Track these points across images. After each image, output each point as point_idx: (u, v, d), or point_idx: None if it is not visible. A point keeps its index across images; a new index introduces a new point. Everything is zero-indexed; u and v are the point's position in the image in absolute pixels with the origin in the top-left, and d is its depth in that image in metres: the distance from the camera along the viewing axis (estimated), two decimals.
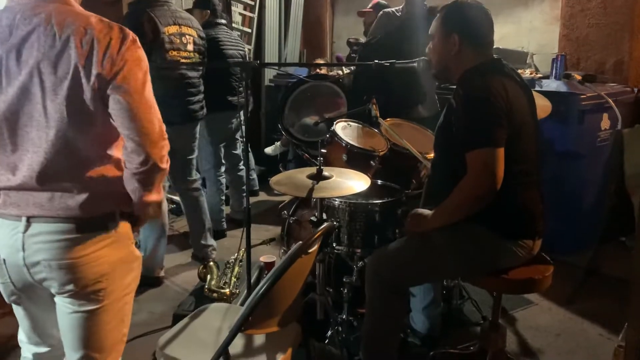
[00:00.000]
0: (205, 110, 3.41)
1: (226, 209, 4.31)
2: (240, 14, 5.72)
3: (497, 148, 1.83)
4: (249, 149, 4.85)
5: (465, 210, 1.91)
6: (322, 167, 2.14)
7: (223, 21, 4.01)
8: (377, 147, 2.66)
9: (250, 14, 5.81)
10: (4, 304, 2.92)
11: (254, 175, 4.99)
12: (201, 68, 3.32)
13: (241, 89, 4.05)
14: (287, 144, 5.10)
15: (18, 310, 1.61)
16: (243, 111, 4.25)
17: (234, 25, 5.31)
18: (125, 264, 1.55)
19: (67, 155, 1.39)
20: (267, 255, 3.05)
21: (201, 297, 2.67)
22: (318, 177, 2.11)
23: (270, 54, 5.96)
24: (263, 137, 5.69)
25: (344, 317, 2.48)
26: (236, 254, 3.01)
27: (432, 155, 2.27)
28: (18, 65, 1.35)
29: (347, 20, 5.55)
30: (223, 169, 4.09)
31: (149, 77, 1.45)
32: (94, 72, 1.34)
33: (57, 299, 1.51)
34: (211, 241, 3.54)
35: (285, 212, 2.94)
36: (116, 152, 1.48)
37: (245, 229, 2.36)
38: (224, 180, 4.11)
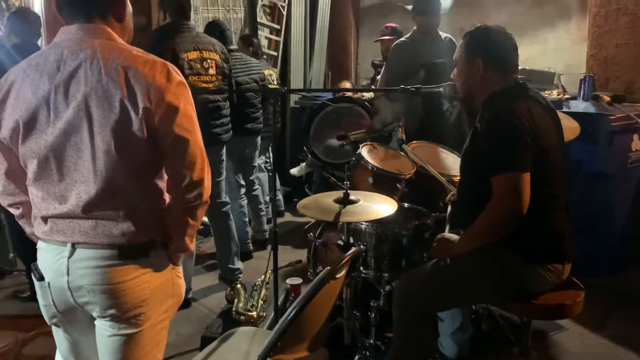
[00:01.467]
0: (230, 133, 3.45)
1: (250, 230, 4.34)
2: (266, 37, 5.84)
3: (523, 172, 1.83)
4: (274, 171, 4.91)
5: (492, 235, 1.90)
6: (348, 191, 2.15)
7: (234, 47, 4.01)
8: (403, 169, 2.67)
9: (276, 38, 5.92)
10: (37, 325, 3.01)
11: (280, 196, 5.02)
12: (227, 91, 3.37)
13: (256, 114, 4.08)
14: (312, 165, 5.14)
15: (58, 333, 1.65)
16: (269, 134, 4.35)
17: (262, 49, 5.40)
18: (165, 290, 1.59)
19: (112, 185, 1.43)
20: (293, 277, 3.06)
21: (229, 320, 2.68)
22: (345, 201, 2.12)
23: (296, 77, 6.05)
24: (288, 158, 5.75)
25: (372, 341, 2.47)
26: (263, 277, 3.02)
27: (458, 178, 2.27)
28: (66, 99, 1.40)
29: (372, 42, 5.61)
30: (243, 190, 4.13)
31: (194, 109, 1.49)
32: (140, 105, 1.38)
33: (97, 322, 1.55)
34: (238, 264, 3.58)
35: (311, 234, 2.96)
36: (160, 183, 1.52)
37: (272, 251, 2.38)
38: (245, 203, 4.14)
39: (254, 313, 2.67)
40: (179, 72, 1.47)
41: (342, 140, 3.38)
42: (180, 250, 1.60)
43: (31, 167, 1.47)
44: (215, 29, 3.81)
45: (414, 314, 2.08)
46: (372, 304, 2.45)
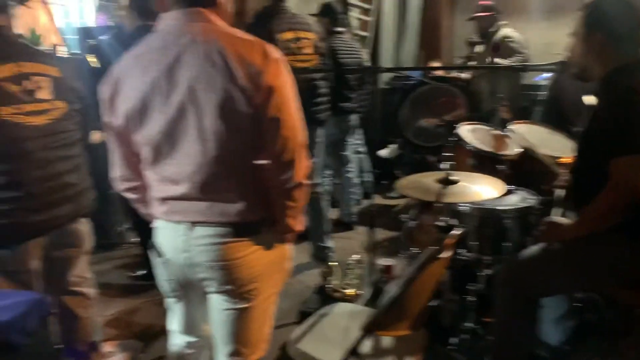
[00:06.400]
0: (328, 113, 3.48)
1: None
2: (357, 18, 5.79)
3: None
4: (366, 152, 4.90)
5: (607, 221, 1.79)
6: (450, 171, 2.11)
7: (342, 29, 4.08)
8: (505, 150, 2.57)
9: (367, 18, 5.85)
10: (144, 295, 3.22)
11: (369, 178, 5.00)
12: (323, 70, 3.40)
13: (352, 95, 4.08)
14: (402, 147, 5.07)
15: (174, 306, 1.76)
16: (355, 115, 4.34)
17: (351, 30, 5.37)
18: (276, 265, 1.65)
19: (222, 166, 1.48)
20: (386, 258, 3.06)
21: (324, 296, 2.74)
22: (446, 181, 2.08)
23: (386, 57, 5.96)
24: (377, 140, 5.70)
25: (469, 325, 2.42)
26: (356, 256, 3.05)
27: (565, 159, 2.16)
28: (173, 84, 1.44)
29: (467, 19, 5.41)
30: (328, 172, 4.15)
31: (292, 89, 1.51)
32: (241, 86, 1.40)
33: (212, 296, 1.64)
34: (330, 243, 3.63)
35: (405, 215, 2.94)
36: (264, 162, 1.54)
37: (369, 231, 2.39)
38: (328, 182, 4.16)
39: (349, 291, 2.71)
40: (276, 50, 1.48)
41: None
42: (285, 230, 1.63)
43: (146, 153, 1.54)
44: (328, 11, 3.92)
45: (518, 298, 2.01)
46: (470, 287, 2.40)
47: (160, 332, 2.83)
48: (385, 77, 5.77)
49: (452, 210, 2.34)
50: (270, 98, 1.43)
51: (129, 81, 1.49)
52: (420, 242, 2.80)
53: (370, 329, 1.58)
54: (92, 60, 3.27)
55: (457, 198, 2.05)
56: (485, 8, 4.56)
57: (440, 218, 2.12)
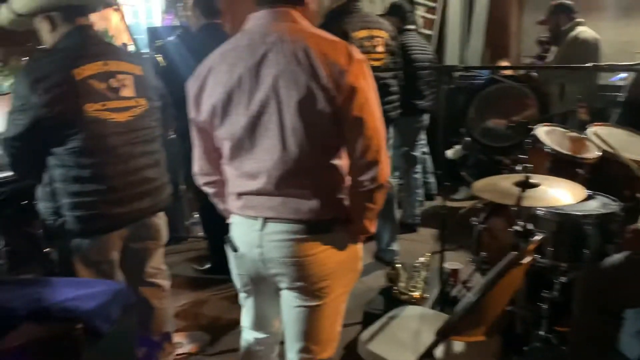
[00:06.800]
0: (398, 111, 3.45)
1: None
2: (421, 16, 5.72)
3: None
4: (429, 152, 4.82)
5: None
6: (529, 174, 2.04)
7: (412, 27, 4.06)
8: (585, 153, 2.46)
9: (432, 16, 5.77)
10: (211, 288, 3.29)
11: (432, 179, 4.93)
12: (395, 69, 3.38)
13: (427, 92, 4.04)
14: (468, 148, 4.96)
15: (247, 300, 1.79)
16: (426, 115, 4.28)
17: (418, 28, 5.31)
18: (348, 265, 1.65)
19: (300, 164, 1.49)
20: (452, 262, 3.00)
21: (390, 298, 2.71)
22: (525, 184, 2.01)
23: (452, 55, 5.85)
24: (441, 140, 5.59)
25: (542, 333, 2.33)
26: (423, 258, 3.00)
27: None
28: (257, 82, 1.47)
29: (537, 17, 5.21)
30: (396, 173, 4.10)
31: (374, 89, 1.50)
32: (324, 86, 1.42)
33: (284, 293, 1.65)
34: (395, 245, 3.59)
35: (474, 219, 2.86)
36: (341, 162, 1.55)
37: (440, 234, 2.34)
38: (395, 182, 4.11)
39: (416, 293, 2.67)
40: (358, 51, 1.49)
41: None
42: (360, 232, 1.64)
43: (226, 148, 1.58)
44: (397, 9, 3.95)
45: (597, 308, 1.93)
46: (544, 294, 2.31)
47: (226, 326, 2.90)
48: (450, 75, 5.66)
49: (528, 214, 2.26)
50: (352, 98, 1.44)
51: (215, 78, 1.53)
52: (490, 246, 2.73)
53: (446, 333, 1.55)
54: (159, 59, 3.38)
55: (536, 202, 1.97)
56: (558, 7, 4.36)
57: (517, 222, 2.05)
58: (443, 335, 1.55)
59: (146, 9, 6.44)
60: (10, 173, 2.59)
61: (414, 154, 4.24)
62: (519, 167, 2.20)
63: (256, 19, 1.54)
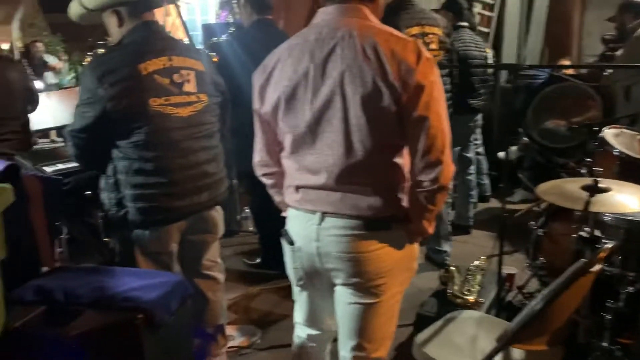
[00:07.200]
0: (450, 110, 3.37)
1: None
2: (478, 13, 5.59)
3: None
4: (484, 153, 4.71)
5: None
6: (598, 178, 1.95)
7: (466, 24, 3.96)
8: None
9: (489, 13, 5.63)
10: (261, 282, 3.32)
11: (487, 181, 4.81)
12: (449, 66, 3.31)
13: (481, 91, 3.94)
14: (524, 149, 4.81)
15: (301, 295, 1.78)
16: (480, 114, 4.17)
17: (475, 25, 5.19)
18: (404, 263, 1.63)
19: (362, 160, 1.48)
20: (507, 266, 2.91)
21: (443, 301, 2.66)
22: (593, 188, 1.92)
23: (508, 54, 5.69)
24: (494, 141, 5.45)
25: (605, 344, 2.23)
26: (477, 262, 2.93)
27: None
28: (323, 76, 1.47)
29: (601, 14, 5.00)
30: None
31: (441, 88, 1.47)
32: (391, 83, 1.40)
33: (339, 289, 1.64)
34: (446, 246, 3.52)
35: (533, 223, 2.77)
36: (402, 161, 1.54)
37: (499, 239, 2.28)
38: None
39: (471, 297, 2.60)
40: (430, 54, 1.46)
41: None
42: (418, 232, 1.61)
43: (288, 141, 1.58)
44: (453, 4, 3.89)
45: None
46: (609, 304, 2.20)
47: (276, 321, 2.92)
48: (506, 74, 5.50)
49: (594, 220, 2.17)
50: (418, 97, 1.42)
51: (281, 71, 1.54)
52: (549, 251, 2.64)
53: (509, 341, 1.50)
54: (213, 56, 3.42)
55: (605, 208, 1.88)
56: (625, 6, 4.14)
57: (584, 228, 1.96)
58: (505, 342, 1.50)
59: (201, 5, 6.58)
60: (74, 164, 2.70)
61: (468, 155, 4.14)
62: (583, 170, 2.12)
63: (325, 14, 1.53)
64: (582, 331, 2.10)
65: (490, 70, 4.71)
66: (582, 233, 1.98)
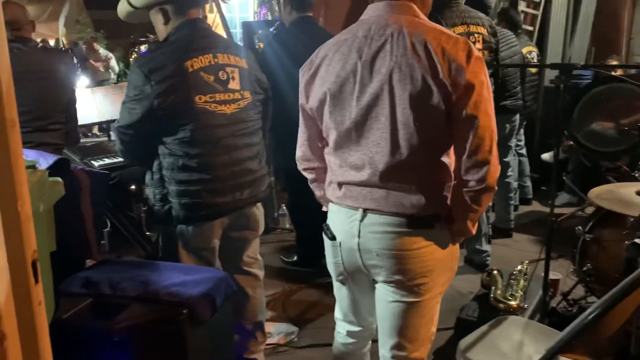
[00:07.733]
0: None
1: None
2: (522, 11, 5.45)
3: None
4: (526, 154, 4.59)
5: None
6: None
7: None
8: None
9: (534, 11, 5.48)
10: (299, 279, 3.31)
11: (528, 183, 4.69)
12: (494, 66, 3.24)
13: (516, 90, 3.85)
14: (568, 152, 4.67)
15: (341, 290, 1.76)
16: (519, 115, 4.06)
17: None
18: (446, 263, 1.60)
19: (407, 157, 1.46)
20: (551, 271, 2.83)
21: (485, 305, 2.60)
22: None
23: (553, 53, 5.53)
24: (537, 142, 5.32)
25: None
26: (520, 266, 2.85)
27: None
28: (371, 73, 1.46)
29: None
30: None
31: (489, 87, 1.44)
32: (440, 81, 1.39)
33: (380, 286, 1.62)
34: (486, 247, 3.45)
35: (579, 228, 2.68)
36: (447, 159, 1.52)
37: (546, 244, 2.21)
38: None
39: (514, 302, 2.53)
40: (479, 53, 1.43)
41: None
42: (461, 232, 1.58)
43: (332, 137, 1.57)
44: (480, 3, 3.73)
45: None
46: None
47: (314, 319, 2.91)
48: (550, 74, 5.36)
49: None
50: (467, 95, 1.40)
51: (328, 66, 1.53)
52: (597, 258, 2.55)
53: (560, 350, 1.45)
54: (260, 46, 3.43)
55: None
56: None
57: (638, 235, 1.89)
58: (556, 352, 1.45)
59: (240, 3, 6.63)
60: (120, 159, 2.74)
61: (505, 159, 4.02)
62: (638, 174, 2.03)
63: (374, 10, 1.52)
64: (634, 342, 2.01)
65: (533, 70, 4.61)
66: (637, 240, 1.90)
